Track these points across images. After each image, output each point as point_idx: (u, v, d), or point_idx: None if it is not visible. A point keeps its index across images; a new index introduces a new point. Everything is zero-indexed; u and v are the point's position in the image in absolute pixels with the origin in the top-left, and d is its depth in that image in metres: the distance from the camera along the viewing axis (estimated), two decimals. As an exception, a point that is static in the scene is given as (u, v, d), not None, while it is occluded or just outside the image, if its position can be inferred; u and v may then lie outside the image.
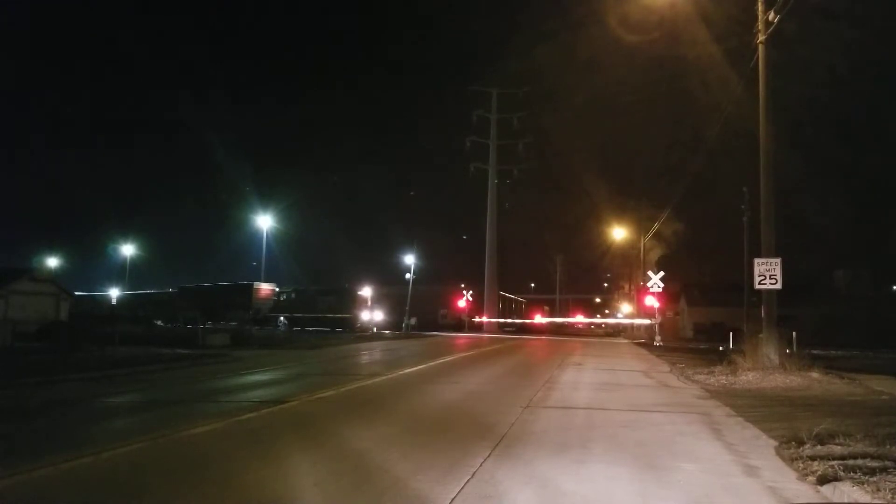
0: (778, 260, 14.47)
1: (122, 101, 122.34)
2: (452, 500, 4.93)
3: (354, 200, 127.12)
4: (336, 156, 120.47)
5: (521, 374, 16.09)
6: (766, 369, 13.88)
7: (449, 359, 20.23)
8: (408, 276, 48.99)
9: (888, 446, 6.21)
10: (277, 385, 13.07)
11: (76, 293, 42.00)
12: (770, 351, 14.50)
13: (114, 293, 63.11)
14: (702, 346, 31.04)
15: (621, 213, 49.67)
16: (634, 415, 9.28)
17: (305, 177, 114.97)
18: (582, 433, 7.76)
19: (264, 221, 47.70)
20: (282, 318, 44.67)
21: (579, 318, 72.28)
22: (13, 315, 25.91)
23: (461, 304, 52.90)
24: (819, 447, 6.43)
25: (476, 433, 7.54)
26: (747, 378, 13.41)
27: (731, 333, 24.20)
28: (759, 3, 15.16)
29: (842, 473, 5.35)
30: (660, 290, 35.25)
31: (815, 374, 13.30)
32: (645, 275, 37.79)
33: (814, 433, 6.84)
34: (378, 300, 47.54)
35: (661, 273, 35.77)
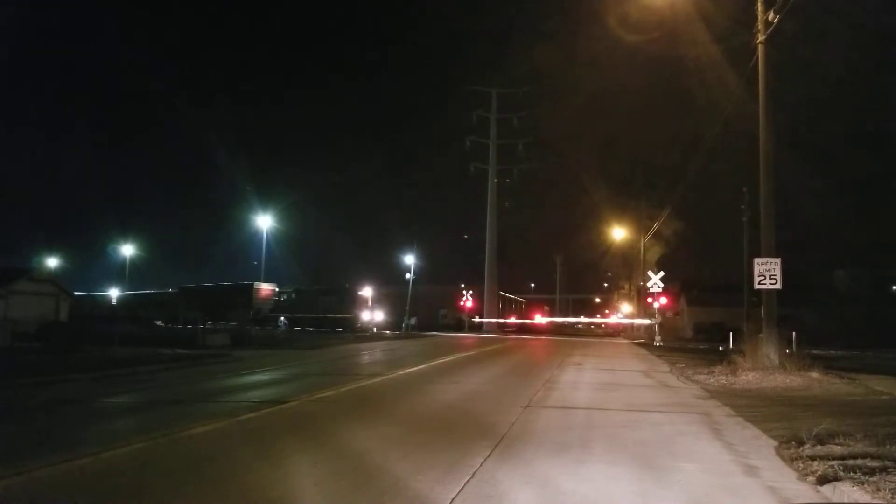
0: (777, 260, 14.47)
1: (123, 100, 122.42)
2: (452, 500, 4.93)
3: (354, 200, 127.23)
4: (336, 155, 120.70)
5: (521, 373, 16.09)
6: (766, 369, 13.88)
7: (449, 359, 20.23)
8: (408, 276, 49.03)
9: (888, 446, 6.21)
10: (277, 385, 13.07)
11: (76, 293, 42.00)
12: (770, 351, 14.50)
13: (114, 293, 63.17)
14: (702, 346, 31.05)
15: (621, 212, 49.74)
16: (634, 415, 9.28)
17: (305, 177, 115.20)
18: (582, 433, 7.76)
19: (264, 221, 47.75)
20: (282, 319, 44.68)
21: (579, 318, 72.27)
22: (13, 315, 25.92)
23: (467, 304, 52.91)
24: (819, 447, 6.43)
25: (476, 433, 7.54)
26: (747, 378, 13.41)
27: (731, 333, 24.19)
28: (759, 3, 15.15)
29: (842, 473, 5.35)
30: (659, 289, 35.25)
31: (814, 374, 13.30)
32: (645, 274, 37.81)
33: (814, 433, 6.84)
34: (378, 300, 47.55)
35: (661, 273, 35.78)
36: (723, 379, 13.77)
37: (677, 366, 17.87)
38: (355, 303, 45.43)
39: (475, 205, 59.71)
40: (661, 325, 36.09)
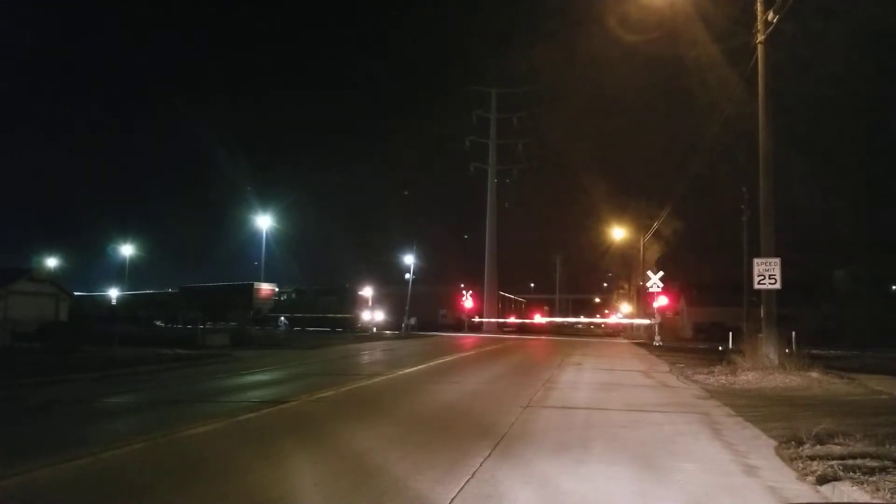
0: (777, 260, 14.47)
1: (122, 100, 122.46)
2: (452, 499, 4.94)
3: (355, 200, 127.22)
4: (336, 155, 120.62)
5: (521, 373, 16.09)
6: (766, 369, 13.88)
7: (448, 359, 20.23)
8: (407, 276, 49.03)
9: (887, 446, 6.21)
10: (277, 385, 13.07)
11: (76, 293, 42.03)
12: (769, 351, 14.51)
13: (113, 293, 63.19)
14: (701, 346, 31.04)
15: (621, 212, 49.71)
16: (634, 415, 9.28)
17: (305, 177, 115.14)
18: (581, 433, 7.76)
19: (264, 221, 47.77)
20: (282, 319, 44.67)
21: (579, 318, 72.29)
22: (13, 315, 25.93)
23: (467, 304, 52.92)
24: (818, 447, 6.44)
25: (476, 433, 7.55)
26: (747, 378, 13.41)
27: (731, 333, 24.19)
28: (758, 3, 15.16)
29: (841, 473, 5.36)
30: (659, 289, 35.25)
31: (814, 374, 13.30)
32: (644, 274, 37.81)
33: (813, 433, 6.84)
34: (378, 300, 47.55)
35: (661, 273, 35.78)
36: (722, 379, 13.77)
37: (677, 366, 17.87)
38: (355, 303, 45.44)
39: (475, 205, 59.77)
40: (660, 324, 36.08)
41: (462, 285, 53.71)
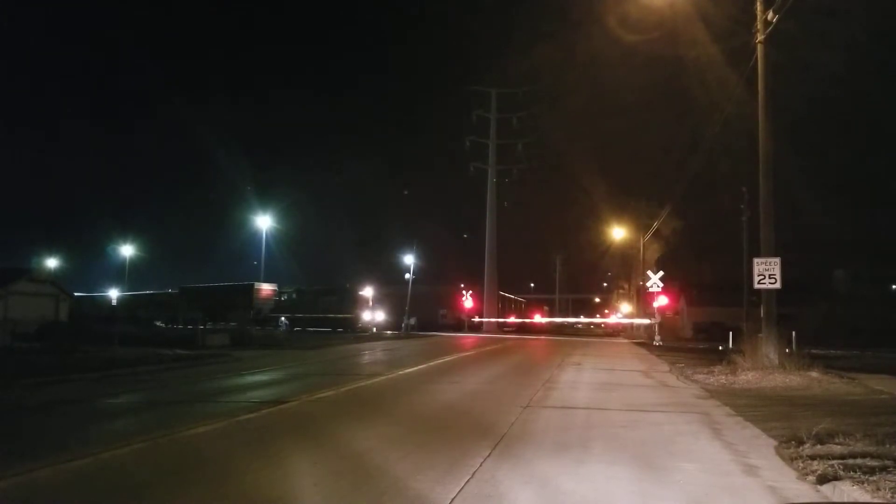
0: (777, 259, 14.47)
1: (122, 100, 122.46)
2: (452, 500, 4.93)
3: (355, 200, 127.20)
4: (336, 155, 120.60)
5: (521, 373, 16.09)
6: (766, 369, 13.88)
7: (448, 359, 20.23)
8: (407, 276, 49.04)
9: (888, 445, 6.21)
10: (277, 385, 13.07)
11: (76, 294, 42.06)
12: (769, 350, 14.50)
13: (113, 293, 63.15)
14: (701, 346, 31.04)
15: (621, 212, 49.73)
16: (634, 414, 9.28)
17: (305, 176, 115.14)
18: (581, 433, 7.76)
19: (264, 221, 47.78)
20: (283, 319, 44.65)
21: (579, 318, 72.29)
22: (13, 315, 25.92)
23: (467, 304, 52.92)
24: (819, 446, 6.43)
25: (476, 433, 7.54)
26: (747, 378, 13.41)
27: (731, 333, 24.18)
28: (758, 3, 15.15)
29: (841, 473, 5.35)
30: (659, 289, 35.25)
31: (814, 374, 13.30)
32: (644, 274, 37.81)
33: (813, 432, 6.84)
34: (379, 300, 47.56)
35: (661, 273, 35.78)
36: (722, 378, 13.77)
37: (677, 365, 17.86)
38: (356, 303, 45.42)
39: (475, 205, 59.76)
40: (660, 324, 36.08)
41: (462, 285, 53.72)
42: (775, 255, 14.56)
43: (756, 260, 14.80)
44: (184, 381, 13.60)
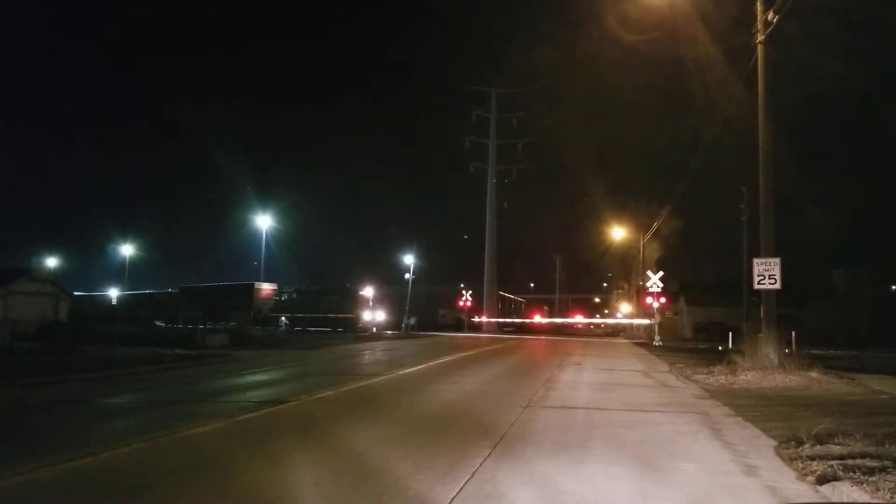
0: (777, 260, 14.47)
1: (122, 100, 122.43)
2: (452, 499, 4.94)
3: (355, 200, 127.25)
4: (336, 155, 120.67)
5: (521, 373, 16.10)
6: (766, 369, 13.88)
7: (448, 359, 20.23)
8: (407, 276, 49.05)
9: (887, 446, 6.21)
10: (277, 385, 13.08)
11: (76, 293, 41.96)
12: (769, 351, 14.50)
13: (113, 293, 63.13)
14: (701, 346, 31.04)
15: (621, 212, 49.74)
16: (634, 414, 9.29)
17: (305, 177, 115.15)
18: (581, 433, 7.76)
19: (264, 221, 47.77)
20: (283, 319, 44.65)
21: (579, 318, 72.28)
22: (13, 315, 25.87)
23: (466, 304, 52.92)
24: (818, 447, 6.44)
25: (476, 433, 7.55)
26: (746, 378, 13.41)
27: (731, 333, 24.19)
28: (758, 3, 15.15)
29: (841, 473, 5.36)
30: (659, 289, 35.25)
31: (814, 374, 13.30)
32: (644, 274, 37.81)
33: (813, 433, 6.84)
34: (379, 300, 47.57)
35: (661, 273, 35.77)
36: (722, 379, 13.77)
37: (676, 365, 17.87)
38: (356, 303, 45.42)
39: (475, 205, 59.76)
40: (660, 324, 36.09)
41: (462, 285, 53.72)
42: (775, 256, 14.56)
43: (756, 260, 14.80)
44: (184, 380, 13.60)
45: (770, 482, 5.53)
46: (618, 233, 50.98)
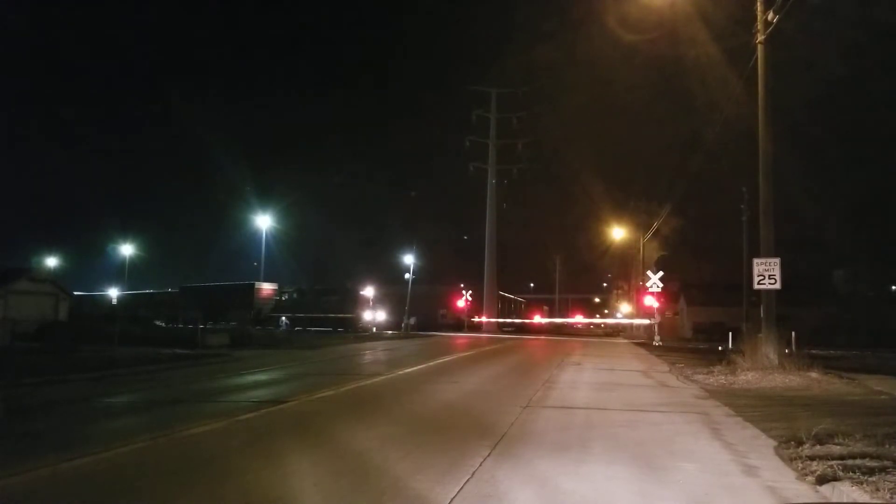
0: (777, 260, 14.48)
1: (122, 100, 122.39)
2: (452, 499, 4.94)
3: (355, 200, 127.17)
4: (336, 155, 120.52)
5: (521, 373, 16.10)
6: (766, 369, 13.88)
7: (448, 359, 20.23)
8: (407, 276, 49.05)
9: (887, 446, 6.21)
10: (277, 385, 13.08)
11: (76, 293, 42.01)
12: (769, 351, 14.50)
13: (113, 293, 63.15)
14: (701, 346, 31.05)
15: (621, 212, 49.71)
16: (633, 414, 9.29)
17: (305, 176, 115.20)
18: (581, 433, 7.76)
19: (264, 221, 47.79)
20: (283, 319, 44.65)
21: (578, 318, 72.29)
22: (13, 315, 25.88)
23: (460, 304, 52.97)
24: (818, 447, 6.44)
25: (475, 433, 7.55)
26: (746, 378, 13.41)
27: (731, 333, 24.21)
28: (759, 3, 15.15)
29: (841, 473, 5.36)
30: (659, 289, 35.24)
31: (814, 374, 13.30)
32: (644, 274, 37.81)
33: (813, 433, 6.84)
34: (379, 300, 47.59)
35: (661, 273, 35.77)
36: (722, 379, 13.77)
37: (676, 365, 17.87)
38: (357, 303, 45.43)
39: (475, 205, 59.77)
40: (660, 324, 36.08)
41: (462, 285, 53.74)
42: (775, 256, 14.57)
43: (756, 260, 14.80)
44: (184, 380, 13.60)
45: (770, 482, 5.53)
46: (618, 232, 50.96)
